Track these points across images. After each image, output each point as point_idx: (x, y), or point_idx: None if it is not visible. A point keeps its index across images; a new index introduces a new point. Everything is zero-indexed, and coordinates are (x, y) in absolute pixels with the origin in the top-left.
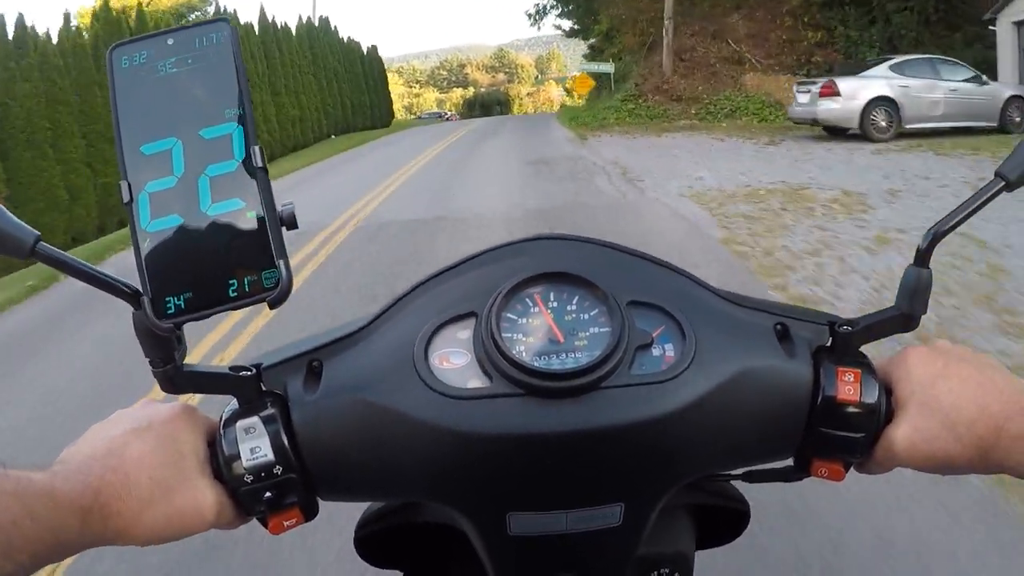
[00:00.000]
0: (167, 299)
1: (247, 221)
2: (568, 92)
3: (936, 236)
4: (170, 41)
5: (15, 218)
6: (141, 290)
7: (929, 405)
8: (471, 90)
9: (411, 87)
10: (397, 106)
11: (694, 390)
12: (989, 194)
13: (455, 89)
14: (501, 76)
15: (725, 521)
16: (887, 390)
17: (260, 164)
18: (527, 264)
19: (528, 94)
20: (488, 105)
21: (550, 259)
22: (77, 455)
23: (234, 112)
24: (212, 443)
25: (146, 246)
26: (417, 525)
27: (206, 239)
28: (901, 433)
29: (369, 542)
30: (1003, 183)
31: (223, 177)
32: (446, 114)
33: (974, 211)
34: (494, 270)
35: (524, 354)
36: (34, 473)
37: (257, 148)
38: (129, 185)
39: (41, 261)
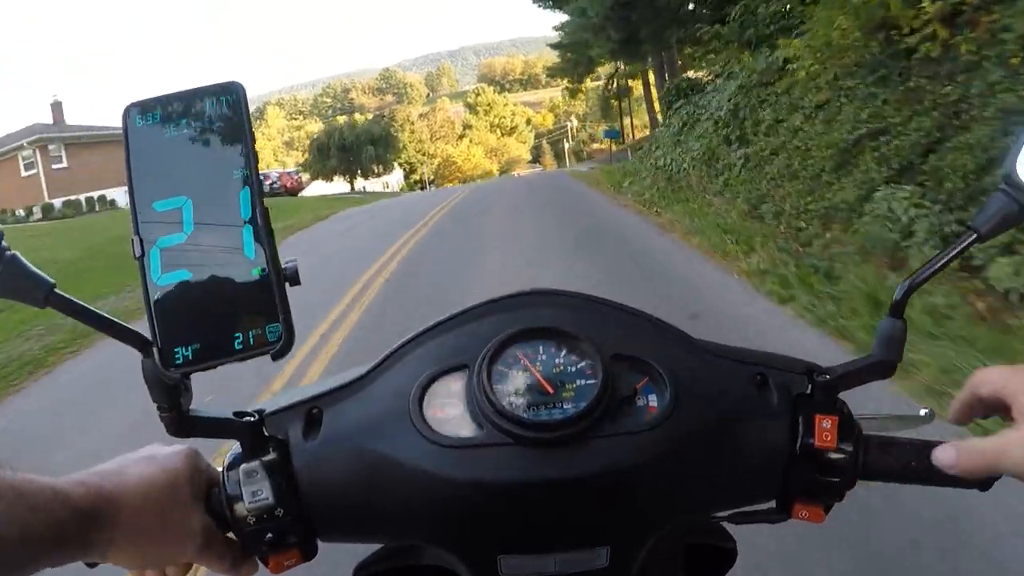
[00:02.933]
0: (175, 349)
1: (253, 277)
2: (472, 109)
3: (910, 288)
4: (183, 102)
5: (31, 266)
6: (151, 340)
7: None
8: (358, 116)
9: (293, 119)
10: (276, 143)
11: (675, 440)
12: (961, 246)
13: (340, 117)
14: (389, 98)
15: (713, 558)
16: (1005, 404)
17: (264, 223)
18: (517, 318)
19: (421, 115)
20: (354, 147)
21: (539, 314)
22: (87, 472)
23: (242, 173)
24: (212, 481)
25: (156, 299)
26: (413, 568)
27: (214, 293)
28: None
29: None
30: (975, 235)
31: (230, 235)
32: (279, 175)
33: (946, 263)
34: (485, 324)
35: (514, 405)
36: (40, 476)
37: (262, 208)
38: (141, 240)
39: (56, 309)
